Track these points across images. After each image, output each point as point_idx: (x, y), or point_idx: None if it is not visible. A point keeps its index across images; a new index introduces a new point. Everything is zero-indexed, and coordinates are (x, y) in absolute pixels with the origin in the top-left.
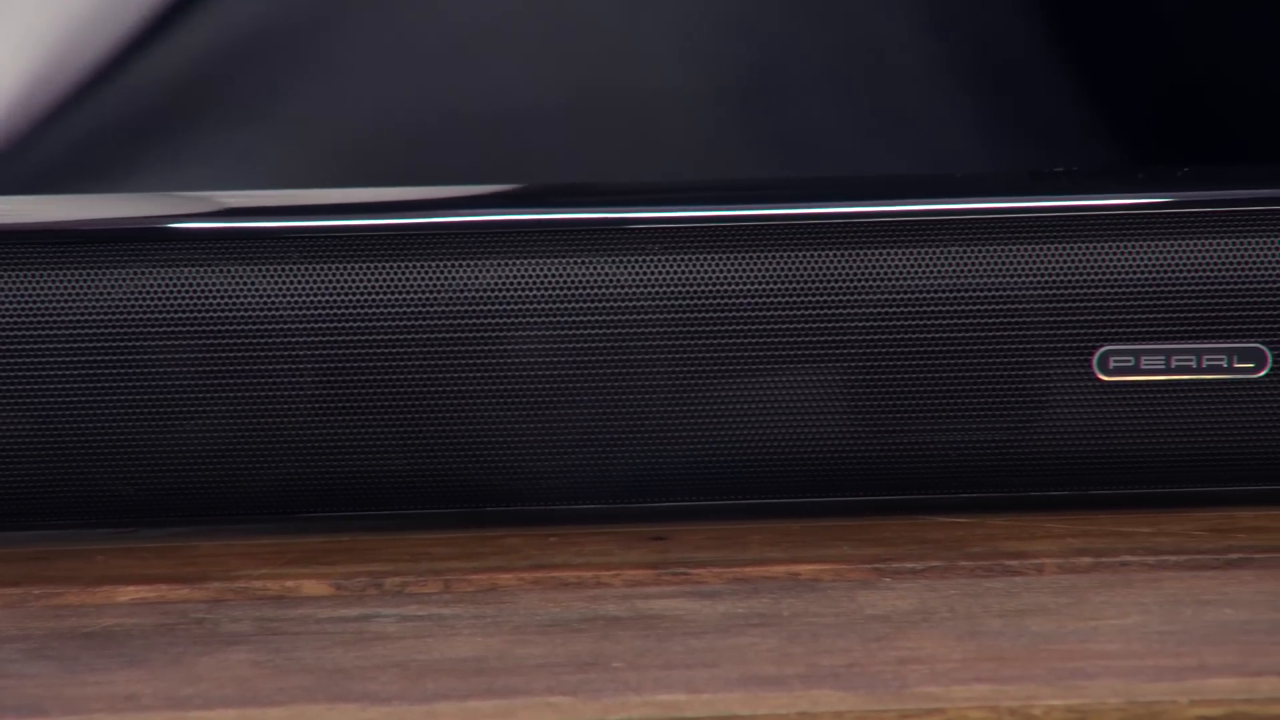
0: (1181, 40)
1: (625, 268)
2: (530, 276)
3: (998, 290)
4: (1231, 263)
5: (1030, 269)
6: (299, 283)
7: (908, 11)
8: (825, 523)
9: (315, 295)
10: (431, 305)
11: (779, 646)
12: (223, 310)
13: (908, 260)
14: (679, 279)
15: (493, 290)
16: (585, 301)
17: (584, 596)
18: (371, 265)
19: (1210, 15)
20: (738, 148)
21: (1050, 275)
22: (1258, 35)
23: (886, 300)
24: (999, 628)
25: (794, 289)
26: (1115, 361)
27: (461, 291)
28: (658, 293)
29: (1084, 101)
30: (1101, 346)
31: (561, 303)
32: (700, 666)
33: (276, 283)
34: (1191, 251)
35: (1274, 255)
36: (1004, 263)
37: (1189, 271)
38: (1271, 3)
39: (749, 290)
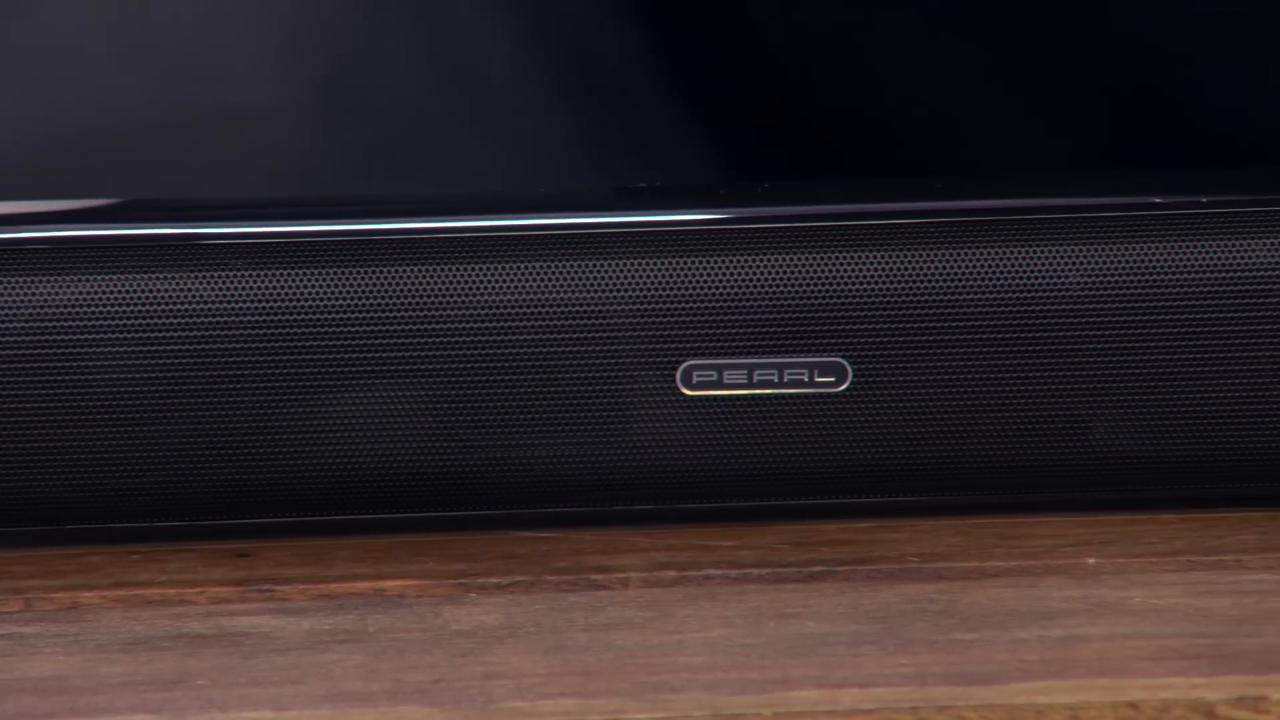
0: (776, 56)
1: (208, 283)
2: (111, 292)
3: (581, 305)
4: (813, 278)
5: (614, 284)
6: None
7: (498, 25)
8: (411, 538)
9: None
10: (9, 321)
11: (365, 663)
12: None
13: (490, 275)
14: (263, 294)
15: (73, 306)
16: (168, 317)
17: (168, 614)
18: None
19: (808, 33)
20: (326, 163)
21: (634, 290)
22: (855, 53)
23: (470, 315)
24: (585, 642)
25: (378, 304)
26: (698, 376)
27: (40, 307)
28: (241, 308)
29: (674, 117)
30: (685, 361)
31: (144, 318)
32: (286, 684)
33: None
34: (773, 267)
35: (854, 270)
36: (587, 277)
37: (771, 286)
38: (867, 22)
39: (333, 306)
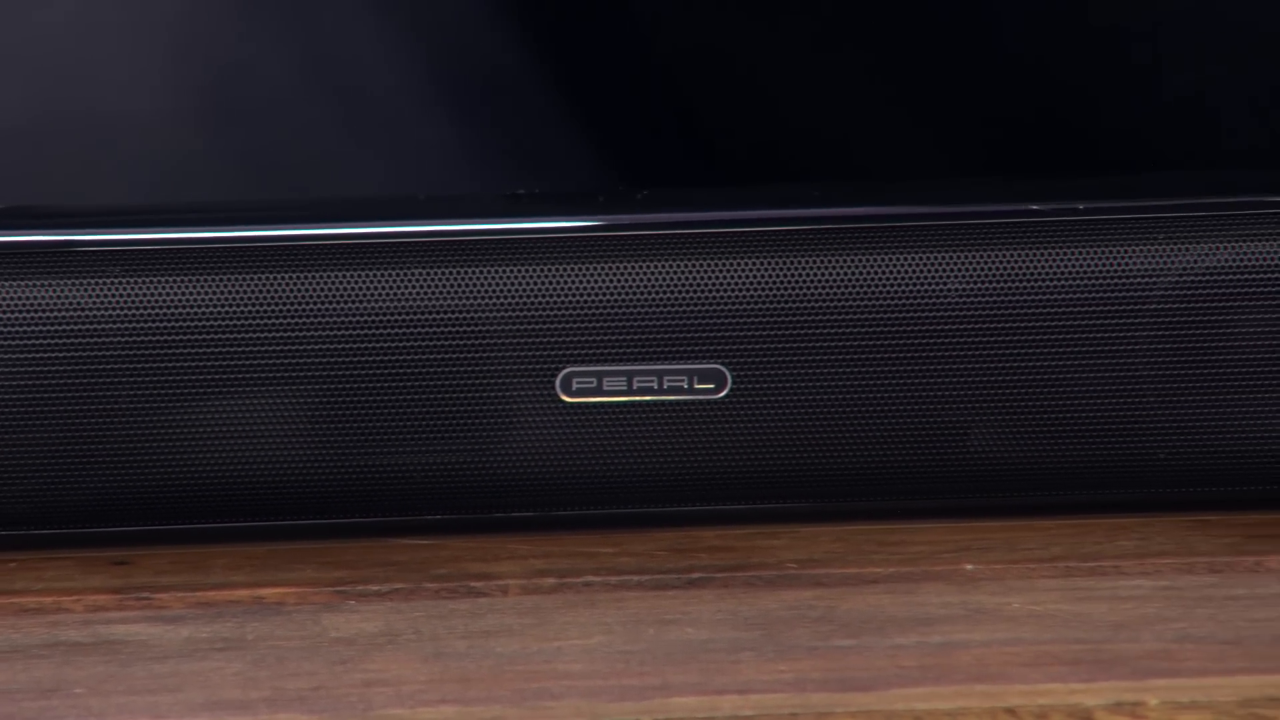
0: (656, 63)
1: (84, 290)
2: None
3: (460, 312)
4: (692, 285)
5: (493, 291)
6: None
7: (376, 31)
8: (289, 546)
9: None
10: None
11: (244, 671)
12: None
13: (368, 282)
14: (139, 301)
15: None
16: (43, 324)
17: (44, 622)
18: None
19: (687, 41)
20: (203, 170)
21: (513, 297)
22: (734, 61)
23: (347, 322)
24: (464, 649)
25: (254, 311)
26: (578, 383)
27: None
28: (117, 315)
29: (554, 124)
30: (565, 368)
31: (19, 325)
32: (164, 692)
33: None
34: (652, 274)
35: (733, 277)
36: (466, 284)
37: (651, 293)
38: (746, 30)
39: (209, 313)
